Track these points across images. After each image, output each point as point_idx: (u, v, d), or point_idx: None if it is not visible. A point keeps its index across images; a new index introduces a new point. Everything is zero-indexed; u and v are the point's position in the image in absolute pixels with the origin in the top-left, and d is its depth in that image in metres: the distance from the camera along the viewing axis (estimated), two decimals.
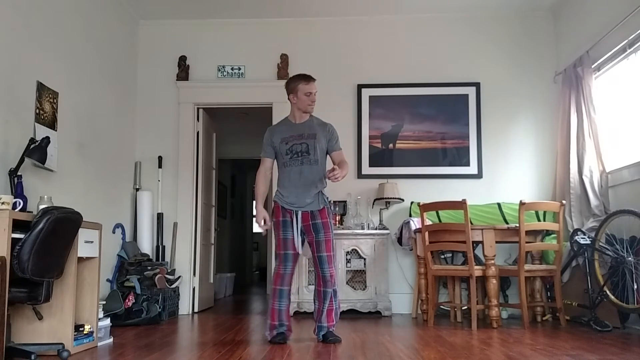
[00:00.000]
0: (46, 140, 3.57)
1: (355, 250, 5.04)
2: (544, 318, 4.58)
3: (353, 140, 5.52)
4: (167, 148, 5.55)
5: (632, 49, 4.27)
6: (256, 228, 13.13)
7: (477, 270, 4.12)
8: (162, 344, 3.50)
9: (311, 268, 5.08)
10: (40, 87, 3.83)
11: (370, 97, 5.55)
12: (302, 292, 5.00)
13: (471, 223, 4.34)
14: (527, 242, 4.17)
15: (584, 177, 4.64)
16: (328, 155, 3.70)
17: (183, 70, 5.60)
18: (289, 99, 3.69)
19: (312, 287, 4.98)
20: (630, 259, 3.85)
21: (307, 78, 3.63)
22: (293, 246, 3.50)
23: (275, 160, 3.73)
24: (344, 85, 5.60)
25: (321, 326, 3.55)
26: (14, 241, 2.76)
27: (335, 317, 3.57)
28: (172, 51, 5.67)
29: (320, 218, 3.53)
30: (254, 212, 3.62)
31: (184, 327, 4.36)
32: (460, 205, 4.14)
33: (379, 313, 4.96)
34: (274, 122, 5.54)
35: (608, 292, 3.99)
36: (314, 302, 3.60)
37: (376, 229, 5.16)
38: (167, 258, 5.37)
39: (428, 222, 4.62)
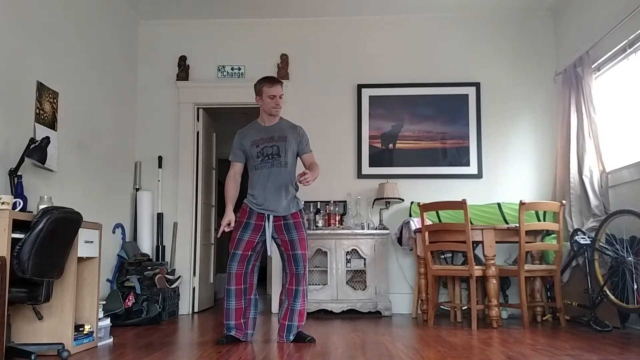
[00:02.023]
0: (46, 140, 3.57)
1: (355, 250, 5.04)
2: (544, 318, 4.58)
3: (353, 140, 5.52)
4: (167, 148, 5.55)
5: (632, 49, 4.27)
6: None
7: (477, 270, 4.12)
8: (162, 344, 3.50)
9: (311, 268, 5.08)
10: (40, 87, 3.83)
11: (370, 97, 5.55)
12: None
13: (471, 223, 4.34)
14: (527, 242, 4.17)
15: (584, 177, 4.64)
16: (299, 158, 3.69)
17: (183, 70, 5.60)
18: (256, 100, 3.69)
19: (312, 287, 5.00)
20: (630, 259, 3.85)
21: (271, 80, 3.62)
22: (246, 247, 3.49)
23: (243, 164, 3.72)
24: (344, 85, 5.60)
25: (291, 325, 3.51)
26: (14, 241, 2.76)
27: (304, 317, 3.56)
28: (172, 51, 5.67)
29: (292, 219, 3.53)
30: (225, 214, 3.60)
31: (184, 327, 4.36)
32: (460, 205, 4.14)
33: (379, 313, 4.96)
34: None
35: (608, 292, 3.99)
36: (282, 302, 3.58)
37: (376, 229, 5.16)
38: (167, 258, 5.36)
39: (428, 222, 4.62)
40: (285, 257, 3.55)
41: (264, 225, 3.50)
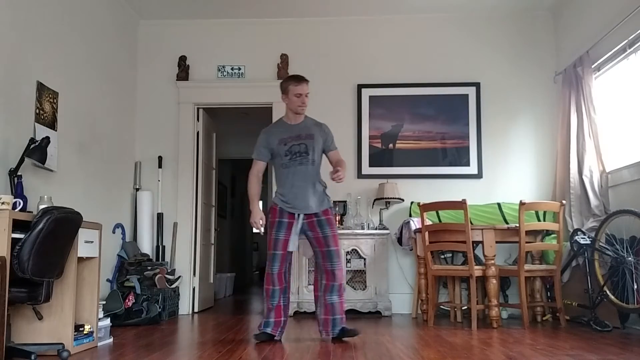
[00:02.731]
0: (46, 140, 3.57)
1: (355, 250, 5.04)
2: (544, 318, 4.58)
3: (353, 140, 5.52)
4: (167, 148, 5.55)
5: (632, 49, 4.26)
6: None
7: (477, 270, 4.12)
8: (162, 344, 3.50)
9: (311, 268, 5.08)
10: (40, 87, 3.83)
11: (370, 97, 5.55)
12: (302, 292, 5.00)
13: (471, 223, 4.34)
14: (527, 242, 4.17)
15: (584, 177, 4.63)
16: (324, 155, 3.74)
17: (183, 70, 5.60)
18: (282, 99, 3.71)
19: (312, 287, 4.99)
20: (630, 259, 3.85)
21: (298, 79, 3.65)
22: (283, 246, 3.52)
23: (266, 163, 3.74)
24: (344, 85, 5.60)
25: (335, 319, 3.52)
26: (14, 241, 2.76)
27: (343, 311, 3.58)
28: (172, 51, 5.67)
29: (323, 215, 3.57)
30: (252, 213, 3.64)
31: (184, 327, 4.36)
32: (460, 205, 4.14)
33: (379, 313, 4.96)
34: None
35: (608, 292, 3.99)
36: (319, 299, 3.58)
37: (376, 229, 5.16)
38: (167, 258, 5.37)
39: (428, 222, 4.62)
40: (319, 254, 3.57)
41: (293, 224, 3.54)
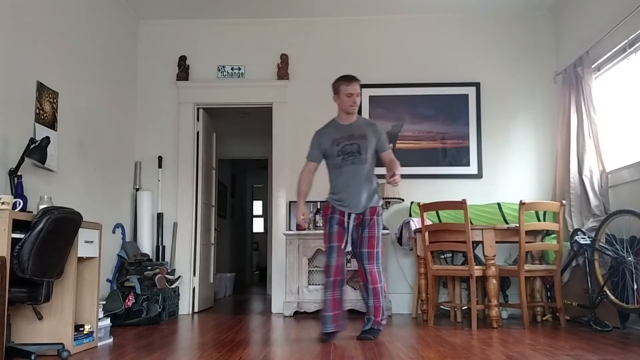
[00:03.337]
0: (46, 140, 3.57)
1: None
2: (544, 318, 4.58)
3: None
4: (167, 148, 5.55)
5: (632, 49, 4.26)
6: (256, 228, 13.14)
7: (477, 270, 4.12)
8: (162, 344, 3.50)
9: (312, 268, 5.09)
10: (40, 87, 3.83)
11: (370, 97, 5.55)
12: (302, 292, 5.00)
13: (471, 223, 4.33)
14: (527, 242, 4.17)
15: (584, 177, 4.63)
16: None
17: (183, 70, 5.60)
18: (334, 99, 3.74)
19: (312, 287, 5.00)
20: (630, 259, 3.85)
21: (348, 79, 3.67)
22: (338, 239, 3.55)
23: (318, 164, 3.78)
24: None
25: (369, 319, 3.59)
26: (14, 241, 2.76)
27: (382, 314, 3.59)
28: (172, 51, 5.67)
29: (369, 215, 3.59)
30: (297, 209, 3.74)
31: (184, 327, 4.36)
32: (460, 205, 4.14)
33: None
34: (274, 122, 5.59)
35: (608, 292, 3.99)
36: (364, 297, 3.65)
37: None
38: (167, 258, 5.37)
39: (428, 222, 4.61)
40: (357, 254, 3.62)
41: (345, 222, 3.58)
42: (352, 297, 4.95)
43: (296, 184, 3.80)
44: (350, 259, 5.09)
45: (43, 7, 3.93)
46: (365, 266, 3.56)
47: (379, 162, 3.72)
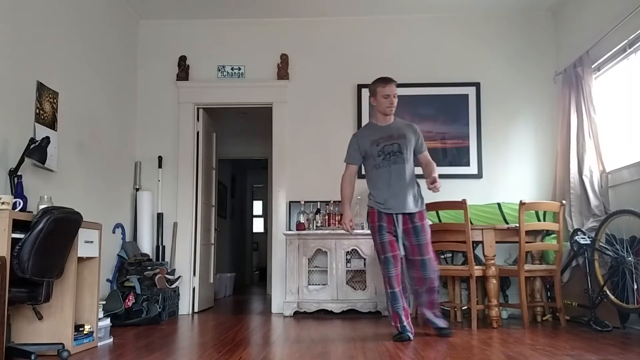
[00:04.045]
0: (46, 140, 3.57)
1: (355, 250, 5.04)
2: (544, 318, 4.58)
3: None
4: (167, 148, 5.55)
5: (632, 49, 4.26)
6: (256, 228, 13.14)
7: (477, 270, 4.12)
8: (162, 344, 3.50)
9: (311, 268, 5.09)
10: (40, 87, 3.83)
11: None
12: (302, 292, 4.99)
13: (471, 223, 4.33)
14: (527, 242, 4.17)
15: (584, 177, 4.63)
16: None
17: (183, 70, 5.60)
18: (370, 101, 3.76)
19: (312, 287, 5.00)
20: (630, 259, 3.85)
21: (385, 80, 3.69)
22: (392, 248, 3.53)
23: (358, 166, 3.78)
24: (344, 85, 5.59)
25: (433, 314, 3.63)
26: (14, 241, 2.76)
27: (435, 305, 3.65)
28: (172, 51, 5.67)
29: (419, 221, 3.58)
30: (343, 215, 3.72)
31: (184, 327, 4.36)
32: (460, 205, 4.14)
33: (379, 313, 4.96)
34: (274, 123, 5.58)
35: (608, 292, 3.99)
36: (419, 294, 3.66)
37: None
38: (167, 258, 5.37)
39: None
40: (411, 263, 3.59)
41: (394, 227, 3.56)
42: (352, 297, 4.95)
43: (340, 190, 3.76)
44: (350, 260, 5.09)
45: (43, 7, 3.92)
46: (427, 273, 3.56)
47: (416, 163, 3.74)
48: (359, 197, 5.34)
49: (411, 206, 3.58)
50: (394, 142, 3.62)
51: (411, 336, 3.52)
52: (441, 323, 3.67)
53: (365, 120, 5.51)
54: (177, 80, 5.60)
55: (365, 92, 5.54)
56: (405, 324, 3.54)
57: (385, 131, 3.68)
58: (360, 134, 3.78)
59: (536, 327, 4.20)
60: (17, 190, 3.30)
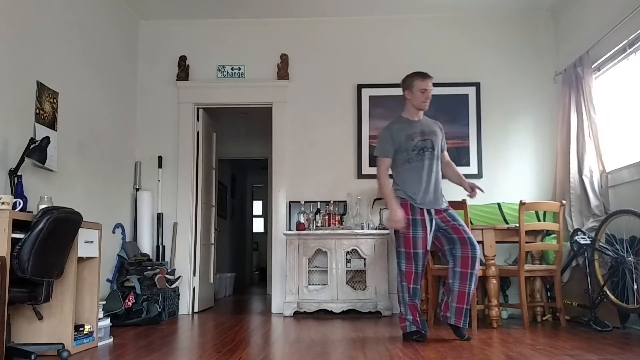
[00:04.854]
0: (46, 140, 3.57)
1: (355, 250, 5.04)
2: (544, 318, 4.58)
3: (353, 140, 5.52)
4: (167, 148, 5.55)
5: (632, 49, 4.26)
6: (256, 228, 13.14)
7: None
8: (162, 344, 3.50)
9: (311, 268, 5.09)
10: (40, 87, 3.83)
11: (370, 97, 5.55)
12: (302, 292, 4.99)
13: (471, 223, 4.33)
14: (527, 242, 4.17)
15: (584, 177, 4.63)
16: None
17: (183, 70, 5.60)
18: (404, 95, 3.69)
19: (312, 287, 5.00)
20: (630, 259, 3.85)
21: (423, 75, 3.66)
22: (423, 245, 3.48)
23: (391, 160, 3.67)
24: (344, 85, 5.60)
25: (467, 309, 3.46)
26: (14, 241, 2.76)
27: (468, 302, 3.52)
28: (172, 51, 5.67)
29: (450, 209, 3.59)
30: (392, 211, 3.48)
31: (184, 327, 4.36)
32: (460, 205, 4.14)
33: (379, 313, 4.96)
34: (274, 123, 5.58)
35: (608, 292, 3.99)
36: (451, 285, 3.50)
37: (376, 229, 5.15)
38: (167, 258, 5.37)
39: None
40: (456, 241, 3.49)
41: (426, 220, 3.50)
42: (352, 297, 4.95)
43: (382, 188, 3.56)
44: (350, 260, 5.09)
45: (43, 7, 3.93)
46: (475, 252, 3.44)
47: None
48: (359, 197, 5.35)
49: (441, 202, 3.58)
50: (427, 138, 3.60)
51: (424, 332, 3.50)
52: (461, 323, 3.50)
53: (365, 120, 5.51)
54: (177, 80, 5.60)
55: (366, 92, 5.55)
56: (420, 319, 3.50)
57: (418, 126, 3.64)
58: (393, 127, 3.64)
59: (536, 327, 4.20)
60: (17, 190, 3.30)
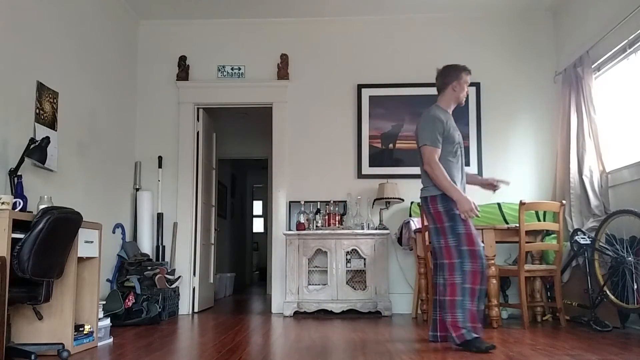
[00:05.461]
0: (46, 140, 3.57)
1: (356, 250, 5.04)
2: (544, 318, 4.58)
3: (353, 140, 5.52)
4: (167, 148, 5.55)
5: (632, 49, 4.26)
6: (256, 228, 13.14)
7: None
8: (162, 344, 3.50)
9: (311, 268, 5.09)
10: (40, 87, 3.83)
11: (370, 97, 5.55)
12: (302, 292, 4.99)
13: None
14: (527, 242, 4.17)
15: (584, 177, 4.63)
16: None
17: (183, 70, 5.60)
18: (449, 86, 3.46)
19: (312, 287, 5.00)
20: (630, 259, 3.85)
21: (468, 69, 3.53)
22: (480, 240, 3.27)
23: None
24: (344, 85, 5.60)
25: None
26: (14, 241, 2.76)
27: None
28: (172, 51, 5.67)
29: None
30: (460, 201, 3.24)
31: (184, 327, 4.36)
32: None
33: (379, 313, 4.96)
34: (274, 123, 5.58)
35: (608, 292, 3.99)
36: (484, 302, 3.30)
37: (376, 229, 5.16)
38: (167, 258, 5.37)
39: None
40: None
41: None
42: (352, 297, 4.95)
43: (440, 178, 3.25)
44: (350, 260, 5.09)
45: (43, 7, 3.93)
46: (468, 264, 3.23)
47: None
48: (359, 197, 5.35)
49: None
50: (459, 134, 3.49)
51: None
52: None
53: (365, 120, 5.51)
54: (177, 80, 5.60)
55: (366, 92, 5.55)
56: (479, 325, 3.13)
57: (454, 120, 3.48)
58: (440, 116, 3.35)
59: (536, 327, 4.20)
60: (17, 190, 3.30)
